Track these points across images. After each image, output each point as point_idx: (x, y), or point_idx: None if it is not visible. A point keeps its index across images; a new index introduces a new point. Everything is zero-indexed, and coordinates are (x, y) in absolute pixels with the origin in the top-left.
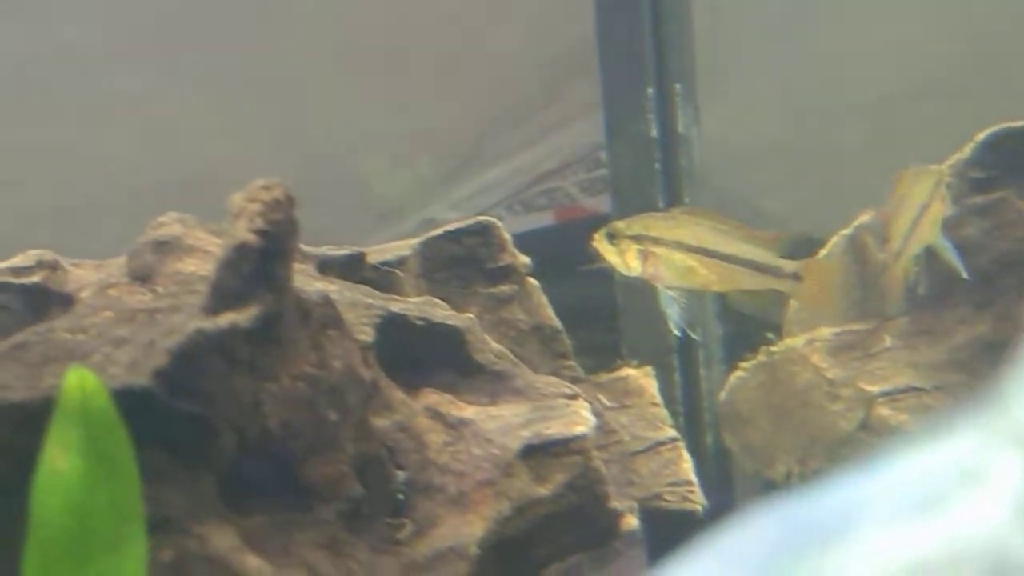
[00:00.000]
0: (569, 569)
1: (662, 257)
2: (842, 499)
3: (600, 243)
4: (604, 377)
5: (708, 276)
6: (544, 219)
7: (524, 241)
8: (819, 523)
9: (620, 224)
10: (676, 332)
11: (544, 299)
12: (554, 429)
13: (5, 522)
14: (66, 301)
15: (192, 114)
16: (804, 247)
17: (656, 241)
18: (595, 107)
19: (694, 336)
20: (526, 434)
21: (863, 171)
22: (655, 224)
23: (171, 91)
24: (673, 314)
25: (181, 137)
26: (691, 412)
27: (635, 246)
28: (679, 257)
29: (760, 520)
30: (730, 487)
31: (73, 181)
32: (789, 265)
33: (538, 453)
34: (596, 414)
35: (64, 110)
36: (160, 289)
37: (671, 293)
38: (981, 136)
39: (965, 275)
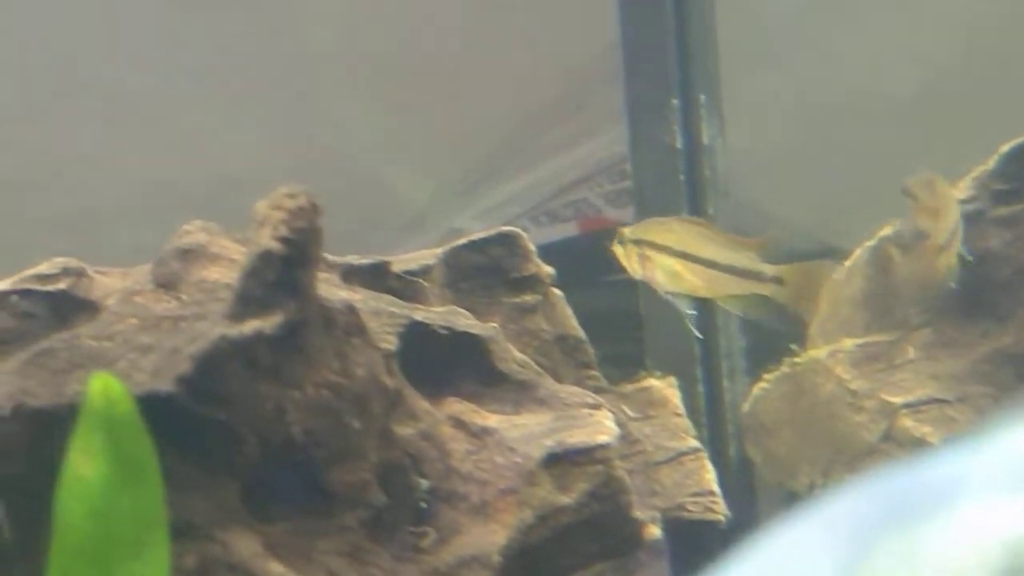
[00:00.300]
0: None
1: (656, 261)
2: (939, 475)
3: (615, 247)
4: (627, 387)
5: (694, 281)
6: (568, 230)
7: (548, 252)
8: (915, 497)
9: (626, 229)
10: (694, 331)
11: (568, 309)
12: (577, 438)
13: (30, 528)
14: (92, 308)
15: (217, 122)
16: (828, 257)
17: (651, 245)
18: (621, 118)
19: (697, 335)
20: (549, 443)
21: (890, 181)
22: (652, 229)
23: (197, 98)
24: (683, 312)
25: (206, 144)
26: (714, 423)
27: (636, 250)
28: (669, 262)
29: (857, 492)
30: (753, 498)
31: (95, 187)
32: (770, 269)
33: (561, 462)
34: (619, 424)
35: (86, 116)
36: (185, 297)
37: (670, 297)
38: (1004, 148)
39: (970, 258)
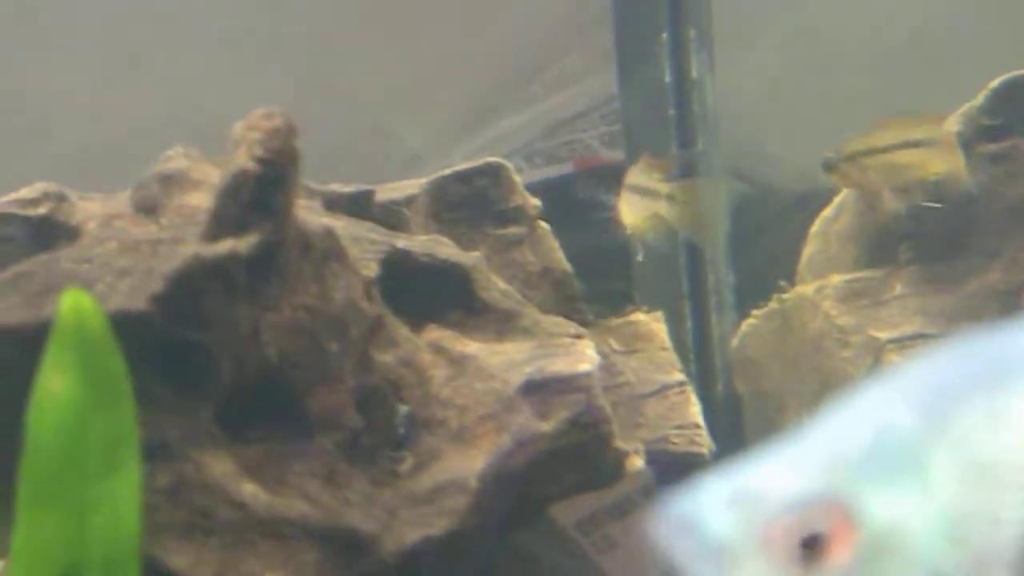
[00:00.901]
0: (586, 520)
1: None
2: None
3: None
4: (614, 321)
5: (626, 211)
6: (563, 170)
7: (541, 189)
8: (1000, 361)
9: None
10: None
11: (555, 242)
12: (557, 366)
13: (5, 447)
14: (72, 233)
15: (219, 64)
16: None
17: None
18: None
19: (638, 258)
20: (529, 370)
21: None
22: None
23: (199, 41)
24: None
25: (208, 87)
26: (702, 359)
27: None
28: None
29: (943, 353)
30: (740, 433)
31: (99, 130)
32: (663, 187)
33: (540, 389)
34: (603, 356)
35: (90, 60)
36: (165, 221)
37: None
38: (993, 83)
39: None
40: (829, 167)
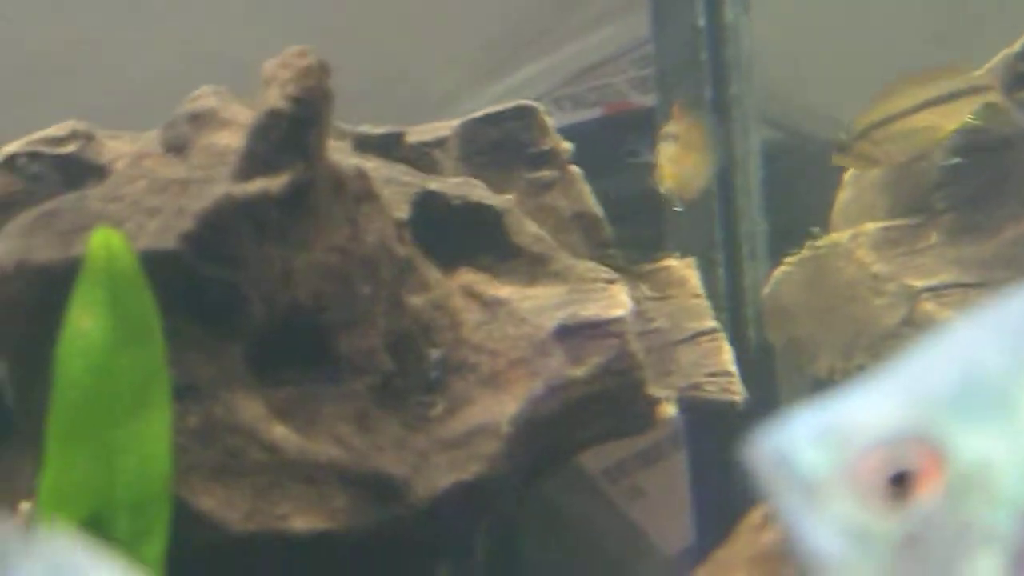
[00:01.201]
0: (613, 467)
1: None
2: None
3: None
4: (646, 268)
5: (659, 159)
6: (593, 115)
7: (570, 134)
8: None
9: None
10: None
11: (586, 187)
12: (591, 311)
13: (33, 388)
14: (101, 172)
15: (241, 10)
16: None
17: None
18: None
19: (676, 208)
20: (561, 315)
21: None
22: None
23: None
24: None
25: (231, 32)
26: (735, 307)
27: None
28: None
29: None
30: (773, 382)
31: (122, 71)
32: (672, 128)
33: (573, 334)
34: (635, 302)
35: (111, 6)
36: (194, 161)
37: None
38: None
39: None
40: (843, 150)
